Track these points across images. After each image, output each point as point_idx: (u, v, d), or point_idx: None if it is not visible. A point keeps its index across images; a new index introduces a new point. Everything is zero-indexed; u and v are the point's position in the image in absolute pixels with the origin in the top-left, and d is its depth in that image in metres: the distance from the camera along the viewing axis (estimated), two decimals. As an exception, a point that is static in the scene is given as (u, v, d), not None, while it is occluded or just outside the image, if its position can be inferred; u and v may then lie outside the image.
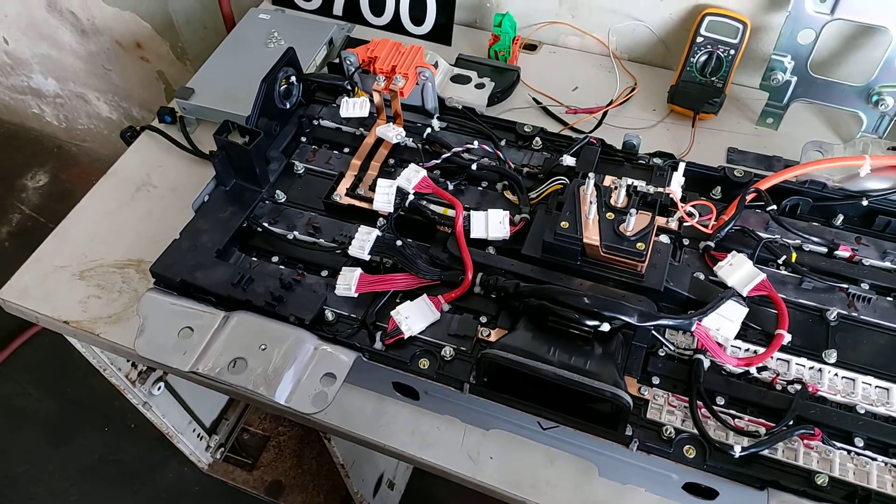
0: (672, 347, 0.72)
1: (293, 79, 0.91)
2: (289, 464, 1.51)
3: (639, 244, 0.71)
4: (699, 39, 1.03)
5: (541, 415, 0.68)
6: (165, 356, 0.72)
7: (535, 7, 1.17)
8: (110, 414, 1.67)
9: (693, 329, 0.68)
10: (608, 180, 0.78)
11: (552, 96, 1.10)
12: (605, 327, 0.66)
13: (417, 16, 1.19)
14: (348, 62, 0.90)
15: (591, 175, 0.74)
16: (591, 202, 0.72)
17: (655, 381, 0.70)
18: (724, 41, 1.02)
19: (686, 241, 0.81)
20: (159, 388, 1.20)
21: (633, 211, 0.71)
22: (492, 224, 0.78)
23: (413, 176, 0.80)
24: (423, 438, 0.79)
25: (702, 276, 0.77)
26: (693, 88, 1.05)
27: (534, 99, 1.10)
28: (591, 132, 1.02)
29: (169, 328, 0.73)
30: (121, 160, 1.07)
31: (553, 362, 0.63)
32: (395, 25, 1.22)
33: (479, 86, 1.00)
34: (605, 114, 1.05)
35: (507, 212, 0.79)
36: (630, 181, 0.78)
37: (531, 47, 1.20)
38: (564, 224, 0.73)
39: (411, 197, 0.80)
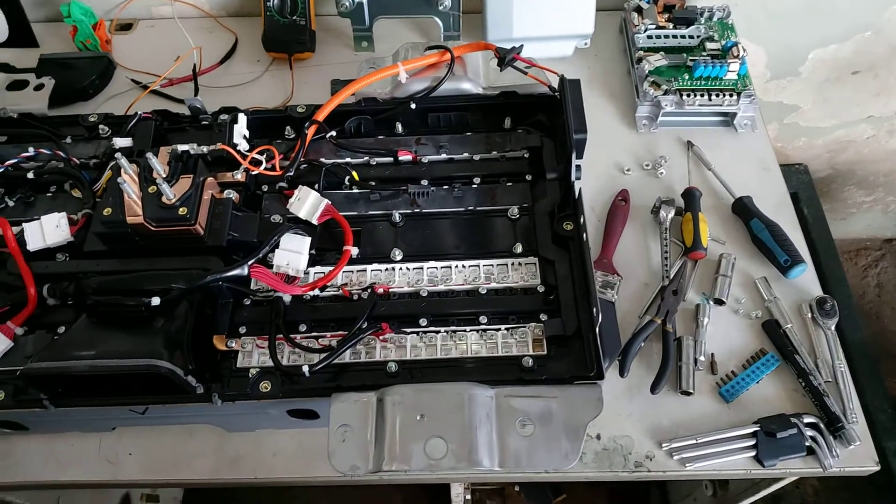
0: (254, 295, 0.75)
1: None
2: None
3: (181, 209, 0.72)
4: (266, -18, 1.04)
5: (122, 404, 0.68)
6: None
7: (110, -14, 1.11)
8: None
9: (247, 273, 0.71)
10: (162, 152, 0.78)
11: (154, 72, 1.06)
12: (156, 301, 0.67)
13: (-13, 24, 1.09)
14: None
15: (118, 155, 0.72)
16: (123, 181, 0.71)
17: (243, 330, 0.73)
18: (289, -21, 1.04)
19: (265, 188, 0.83)
20: None
21: (165, 179, 0.71)
22: (48, 230, 0.75)
23: (-51, 206, 0.75)
24: (58, 461, 0.77)
25: (278, 218, 0.80)
26: (279, 31, 1.06)
27: (132, 80, 1.06)
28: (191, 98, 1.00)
29: None
30: None
31: (95, 354, 0.63)
32: (-33, 39, 1.10)
33: (39, 87, 0.94)
34: (195, 76, 1.03)
35: (64, 213, 0.76)
36: (183, 147, 0.78)
37: (127, 27, 1.15)
38: (107, 211, 0.72)
39: (-48, 229, 0.75)
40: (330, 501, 1.50)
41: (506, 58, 0.83)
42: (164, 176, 0.73)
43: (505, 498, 1.36)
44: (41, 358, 0.63)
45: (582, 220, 0.72)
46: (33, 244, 0.74)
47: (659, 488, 1.38)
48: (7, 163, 0.81)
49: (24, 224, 0.75)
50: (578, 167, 0.77)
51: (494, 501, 1.35)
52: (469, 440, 0.61)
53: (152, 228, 0.72)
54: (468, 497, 1.07)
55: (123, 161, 0.73)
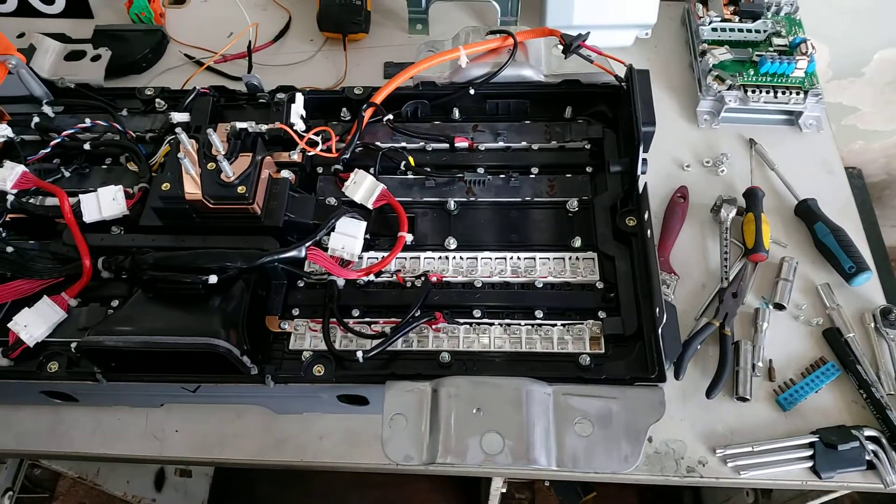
0: (308, 277, 0.74)
1: None
2: (89, 485, 1.44)
3: (240, 188, 0.71)
4: (325, -39, 1.02)
5: (175, 381, 0.68)
6: None
7: (166, -42, 1.10)
8: None
9: (304, 255, 0.69)
10: (220, 129, 0.77)
11: (207, 48, 1.06)
12: (213, 279, 0.66)
13: (45, -7, 1.09)
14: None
15: (178, 130, 0.71)
16: (182, 156, 0.70)
17: (296, 312, 0.72)
18: (349, -42, 1.02)
19: (320, 170, 0.82)
20: None
21: (224, 156, 0.70)
22: (104, 203, 0.74)
23: (8, 175, 0.74)
24: (105, 434, 0.77)
25: (333, 201, 0.79)
26: (335, 11, 1.04)
27: (185, 55, 1.05)
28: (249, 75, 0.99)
29: None
30: None
31: (151, 330, 0.63)
32: (24, 9, 1.10)
33: (96, 58, 0.93)
34: (250, 53, 1.02)
35: (120, 186, 0.75)
36: (242, 125, 0.77)
37: (181, 1, 1.14)
38: (165, 186, 0.71)
39: (11, 198, 0.75)
40: (355, 484, 1.50)
41: (572, 45, 0.81)
42: (224, 153, 0.72)
43: (534, 492, 1.35)
44: (98, 332, 0.62)
45: (647, 215, 0.70)
46: (89, 216, 0.74)
47: (692, 491, 1.35)
48: (64, 133, 0.81)
49: (80, 195, 0.75)
50: (644, 161, 0.74)
51: (524, 495, 1.34)
52: (526, 437, 0.60)
53: (210, 205, 0.71)
54: (503, 490, 1.06)
55: (183, 136, 0.72)
